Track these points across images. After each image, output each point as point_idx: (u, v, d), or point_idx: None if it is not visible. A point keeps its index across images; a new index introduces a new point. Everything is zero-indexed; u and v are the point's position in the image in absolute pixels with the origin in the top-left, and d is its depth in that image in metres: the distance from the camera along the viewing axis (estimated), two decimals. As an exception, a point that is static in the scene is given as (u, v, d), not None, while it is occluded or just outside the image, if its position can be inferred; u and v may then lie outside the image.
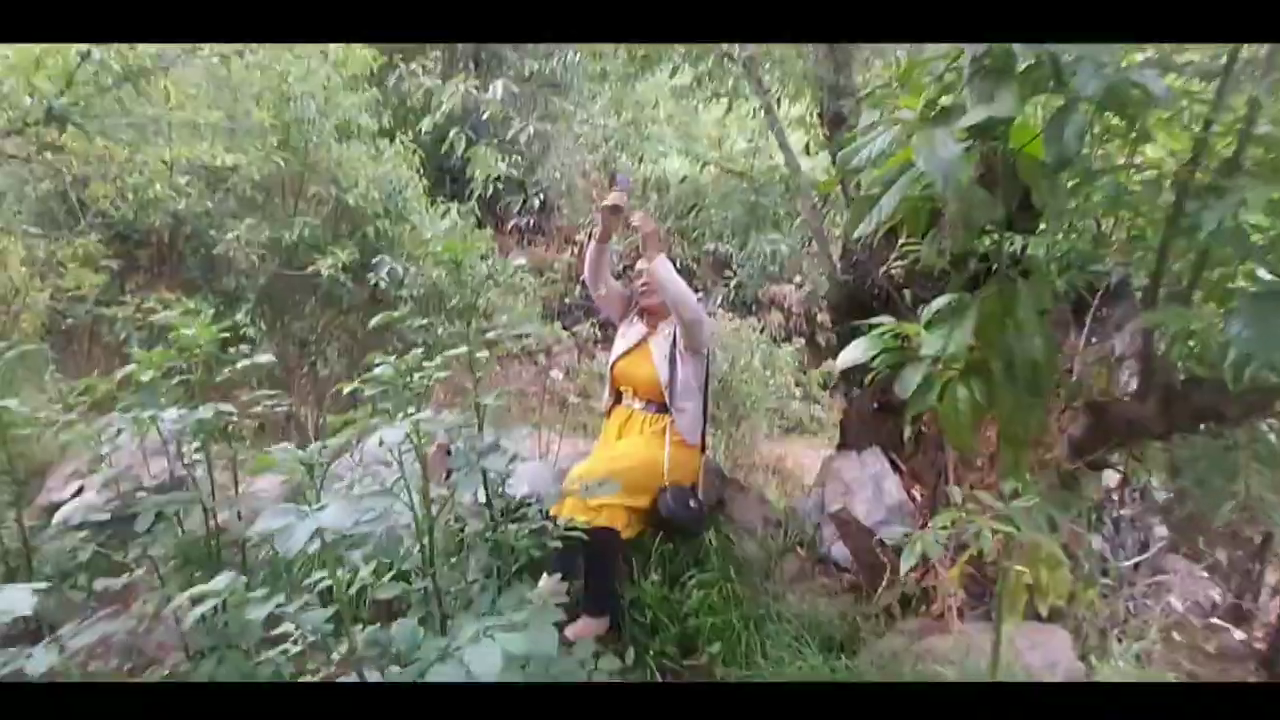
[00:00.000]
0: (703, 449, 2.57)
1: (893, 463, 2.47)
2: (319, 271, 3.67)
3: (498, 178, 2.74)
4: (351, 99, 5.29)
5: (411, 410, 1.67)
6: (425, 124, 2.94)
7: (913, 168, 1.22)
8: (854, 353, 1.53)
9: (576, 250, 9.16)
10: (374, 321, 1.88)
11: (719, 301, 6.03)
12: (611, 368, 2.61)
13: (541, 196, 3.01)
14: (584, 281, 2.57)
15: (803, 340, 5.88)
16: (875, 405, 2.50)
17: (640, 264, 2.54)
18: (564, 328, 6.67)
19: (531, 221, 8.84)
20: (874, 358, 1.54)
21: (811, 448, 7.31)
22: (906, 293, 2.39)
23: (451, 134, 2.89)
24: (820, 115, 3.06)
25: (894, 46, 2.81)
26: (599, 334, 6.55)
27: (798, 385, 5.79)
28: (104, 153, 2.87)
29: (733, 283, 2.43)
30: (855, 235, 1.28)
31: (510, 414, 8.63)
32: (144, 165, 3.20)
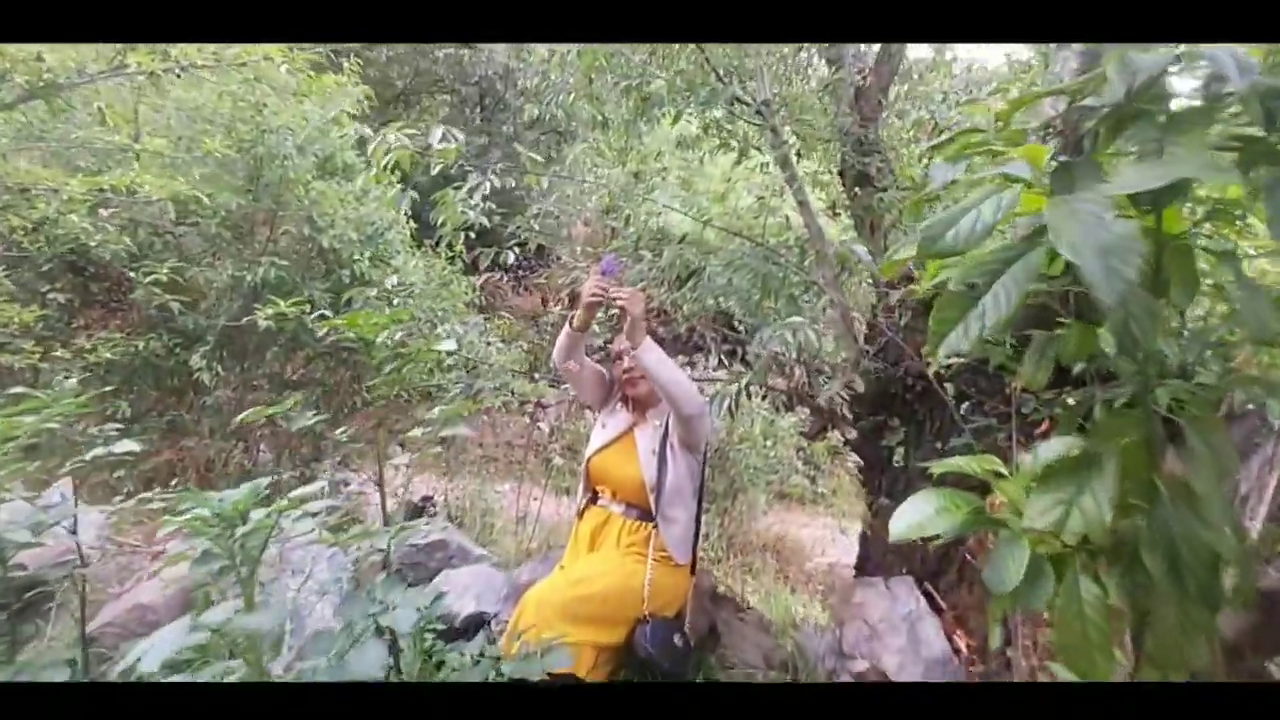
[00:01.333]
0: (693, 569, 2.12)
1: (930, 598, 2.02)
2: (284, 315, 3.24)
3: (470, 227, 2.35)
4: (336, 135, 4.99)
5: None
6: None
7: (1026, 251, 0.83)
8: (914, 516, 1.07)
9: (566, 299, 8.83)
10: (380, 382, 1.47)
11: (714, 366, 5.65)
12: (588, 462, 2.17)
13: (526, 244, 2.57)
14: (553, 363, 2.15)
15: (806, 409, 5.45)
16: None
17: (618, 342, 2.12)
18: (553, 383, 6.25)
19: (522, 269, 8.54)
20: (941, 526, 1.08)
21: (812, 524, 6.82)
22: (949, 386, 1.99)
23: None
24: (841, 173, 2.71)
25: (930, 96, 2.48)
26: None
27: (799, 453, 5.33)
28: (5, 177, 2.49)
29: (744, 380, 1.93)
30: (945, 353, 0.86)
31: (497, 464, 8.18)
32: (54, 194, 2.81)
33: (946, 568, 1.98)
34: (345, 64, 5.51)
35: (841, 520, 7.29)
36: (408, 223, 5.46)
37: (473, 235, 2.54)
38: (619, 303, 1.87)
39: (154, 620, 2.07)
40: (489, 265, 2.40)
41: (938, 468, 1.15)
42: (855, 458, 2.33)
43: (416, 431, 1.44)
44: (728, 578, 4.35)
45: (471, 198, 2.00)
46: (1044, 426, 1.60)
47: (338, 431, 2.57)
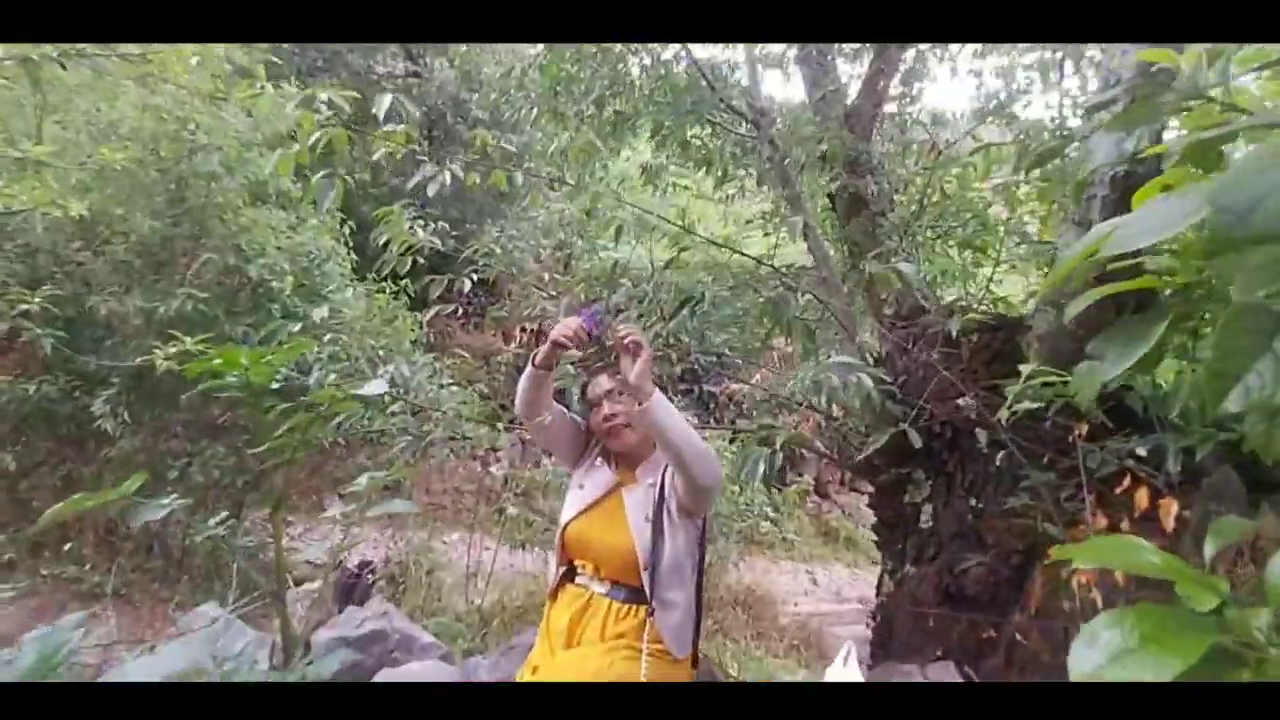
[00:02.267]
0: (694, 662, 1.77)
1: (971, 684, 1.74)
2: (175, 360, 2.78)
3: (419, 250, 2.00)
4: (270, 159, 4.57)
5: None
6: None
7: None
8: (1106, 650, 0.72)
9: (527, 338, 8.45)
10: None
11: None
12: (563, 531, 1.79)
13: (483, 274, 2.21)
14: (515, 410, 1.77)
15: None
16: (944, 591, 1.76)
17: (596, 386, 1.75)
18: (506, 426, 5.83)
19: (471, 306, 8.15)
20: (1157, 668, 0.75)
21: (776, 569, 6.52)
22: (982, 434, 1.72)
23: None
24: (832, 196, 2.48)
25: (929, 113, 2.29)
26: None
27: (768, 502, 5.04)
28: None
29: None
30: (1237, 405, 0.55)
31: (444, 513, 7.62)
32: None
33: (990, 650, 1.69)
34: (285, 86, 5.14)
35: (808, 566, 7.04)
36: (348, 254, 5.05)
37: (421, 261, 2.19)
38: (627, 340, 1.54)
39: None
40: (442, 294, 2.04)
41: (1095, 560, 0.84)
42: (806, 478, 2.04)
43: (336, 511, 1.08)
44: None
45: (419, 200, 1.64)
46: (1125, 484, 1.35)
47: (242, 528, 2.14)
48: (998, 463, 1.71)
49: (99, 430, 3.90)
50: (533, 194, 8.72)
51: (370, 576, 2.95)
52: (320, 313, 2.10)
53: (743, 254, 1.95)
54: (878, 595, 1.99)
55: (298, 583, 3.52)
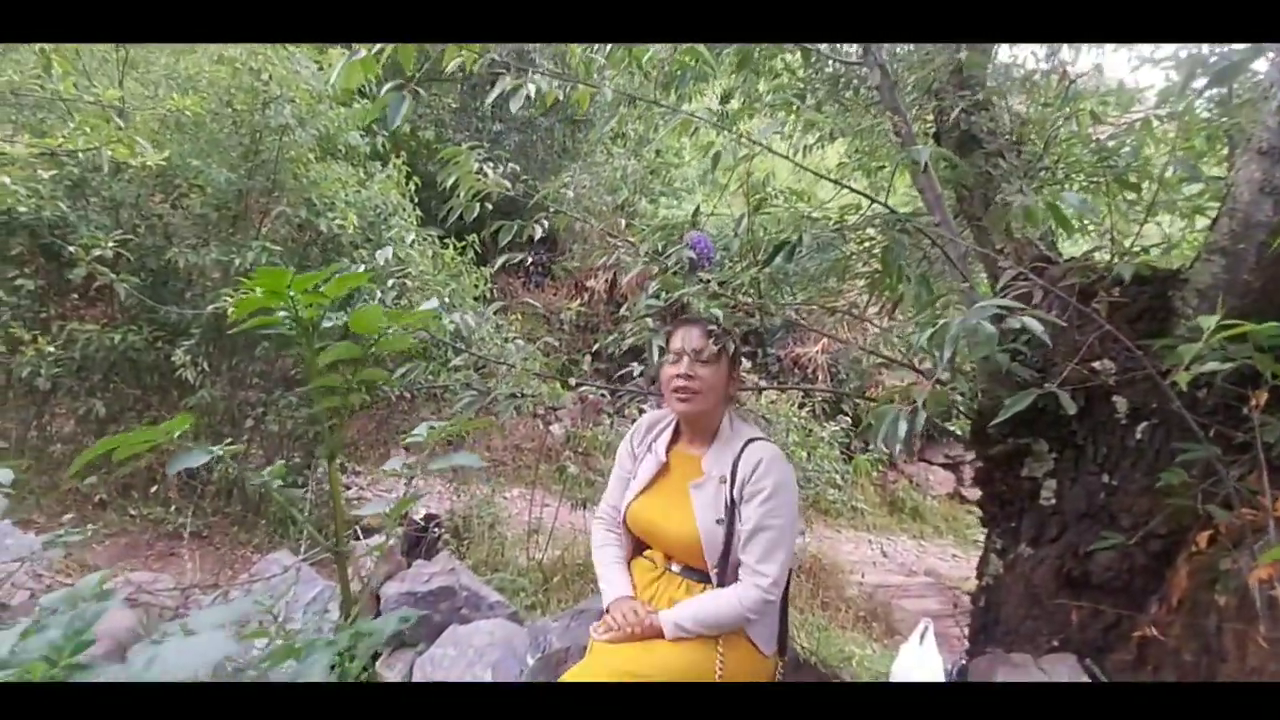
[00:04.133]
0: (782, 650, 1.64)
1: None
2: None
3: (485, 196, 1.88)
4: (340, 113, 4.54)
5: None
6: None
7: None
8: None
9: (587, 297, 8.36)
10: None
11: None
12: (626, 509, 1.68)
13: (553, 223, 2.06)
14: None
15: (849, 418, 4.96)
16: (1066, 576, 1.56)
17: (684, 338, 1.57)
18: (567, 384, 5.79)
19: (533, 265, 8.11)
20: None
21: (840, 538, 6.33)
22: (1120, 402, 1.50)
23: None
24: (937, 135, 2.23)
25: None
26: (607, 395, 5.68)
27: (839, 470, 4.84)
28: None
29: (920, 400, 1.40)
30: None
31: (505, 469, 7.74)
32: None
33: (1118, 643, 1.49)
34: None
35: (874, 537, 6.81)
36: (413, 209, 5.02)
37: (489, 207, 2.06)
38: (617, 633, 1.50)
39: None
40: (510, 242, 1.92)
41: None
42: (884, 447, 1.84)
43: (397, 463, 0.98)
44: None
45: (504, 106, 1.50)
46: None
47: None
48: (1139, 435, 1.48)
49: (181, 379, 4.02)
50: (602, 145, 8.54)
51: (437, 530, 2.93)
52: (384, 254, 2.02)
53: (860, 192, 1.73)
54: (981, 577, 1.80)
55: (367, 533, 3.57)
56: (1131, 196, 1.67)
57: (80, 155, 2.93)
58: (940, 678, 1.66)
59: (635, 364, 2.05)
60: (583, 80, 1.55)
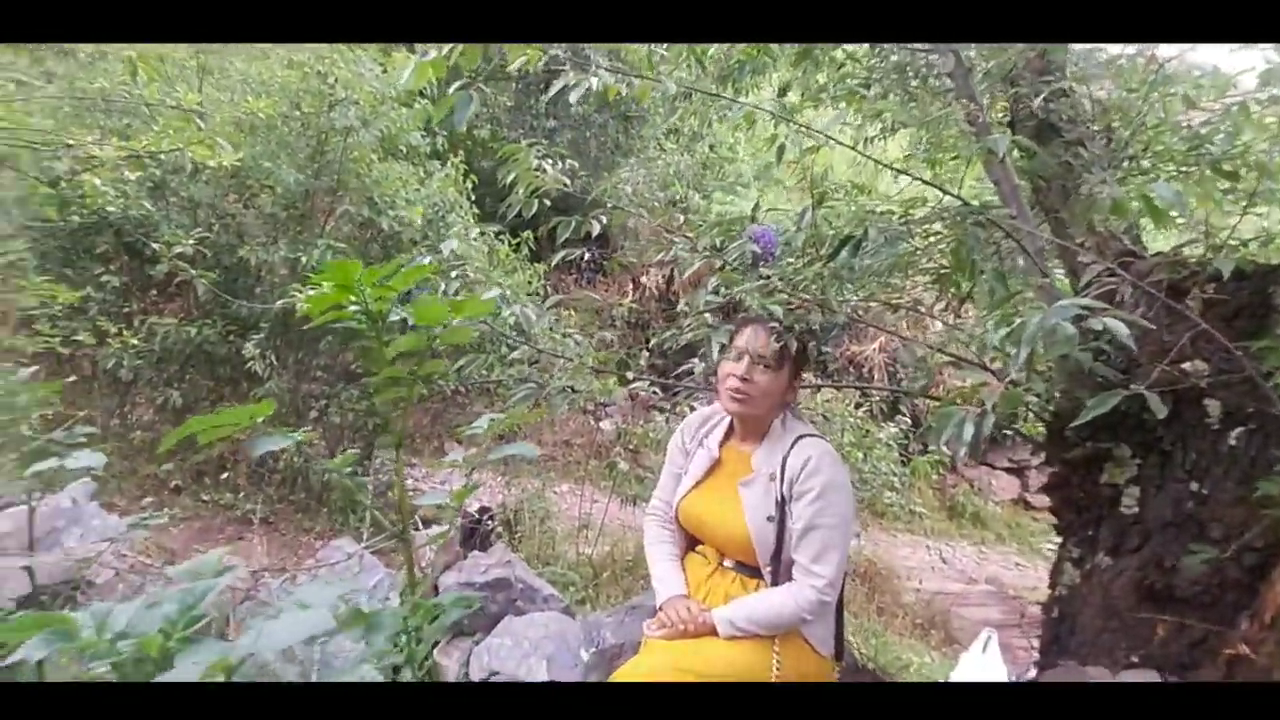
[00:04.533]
0: (839, 654, 1.60)
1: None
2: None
3: (543, 193, 1.89)
4: (402, 114, 4.65)
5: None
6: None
7: None
8: None
9: (640, 293, 8.36)
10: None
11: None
12: (677, 506, 1.68)
13: (608, 219, 2.05)
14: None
15: (907, 419, 4.83)
16: (1148, 588, 1.46)
17: (750, 338, 1.54)
18: (624, 379, 5.81)
19: (586, 261, 8.14)
20: None
21: (896, 542, 6.17)
22: (1213, 405, 1.41)
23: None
24: (1011, 124, 2.13)
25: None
26: (659, 392, 5.66)
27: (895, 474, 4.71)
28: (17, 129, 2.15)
29: (985, 407, 1.33)
30: None
31: (555, 464, 7.83)
32: (67, 150, 2.46)
33: (1204, 660, 1.40)
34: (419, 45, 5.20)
35: (932, 542, 6.61)
36: (470, 206, 5.12)
37: (547, 203, 2.07)
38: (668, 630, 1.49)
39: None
40: (568, 239, 1.93)
41: None
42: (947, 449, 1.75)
43: (456, 455, 0.98)
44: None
45: (558, 103, 1.50)
46: None
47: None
48: (1233, 441, 1.38)
49: (250, 371, 4.21)
50: (655, 141, 8.51)
51: (490, 522, 2.98)
52: (449, 245, 2.06)
53: (932, 184, 1.67)
54: (1054, 586, 1.72)
55: (425, 524, 3.66)
56: (1227, 186, 1.56)
57: (162, 157, 3.08)
58: (1005, 689, 1.60)
59: (695, 360, 2.02)
60: (642, 75, 1.54)
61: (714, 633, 1.47)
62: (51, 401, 1.42)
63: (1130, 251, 1.68)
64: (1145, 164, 1.92)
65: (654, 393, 5.89)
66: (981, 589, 5.58)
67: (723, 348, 1.57)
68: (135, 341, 3.86)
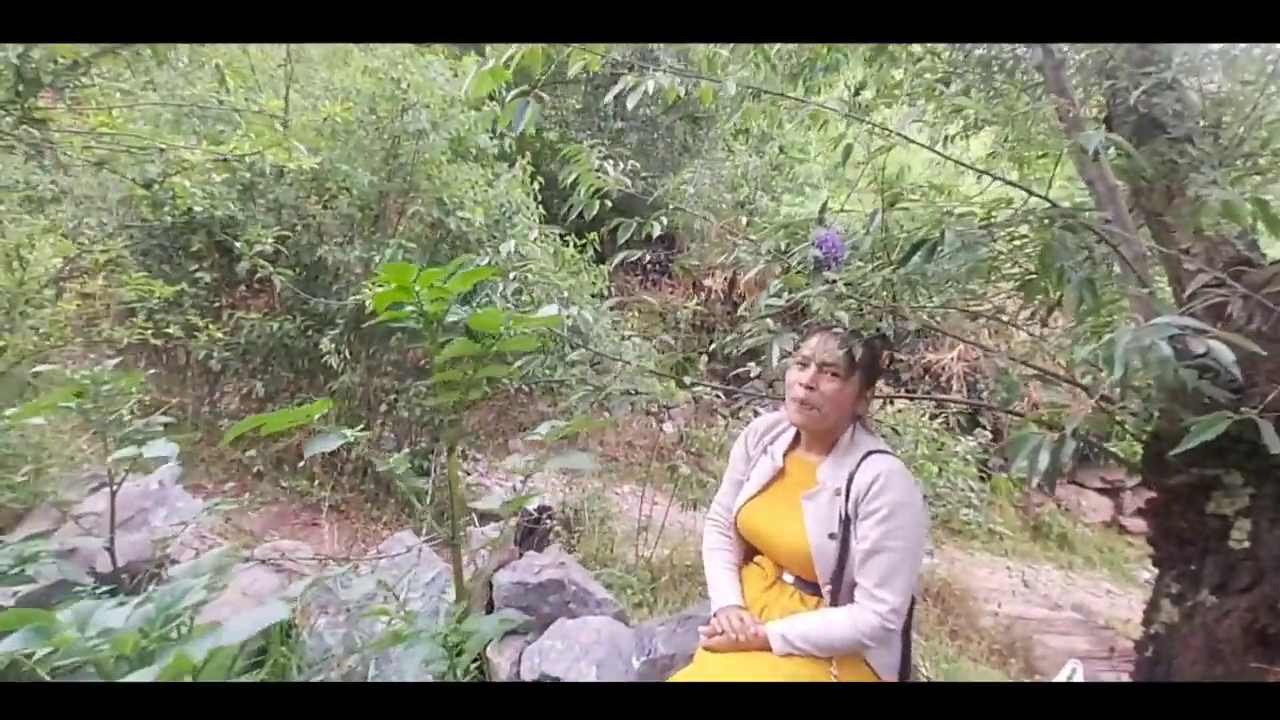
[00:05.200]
0: (904, 680, 1.52)
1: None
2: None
3: (605, 194, 1.87)
4: (470, 116, 4.76)
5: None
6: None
7: None
8: None
9: (704, 296, 8.29)
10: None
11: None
12: (737, 513, 1.62)
13: (671, 222, 2.01)
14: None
15: (988, 432, 4.58)
16: (1260, 633, 1.31)
17: (818, 347, 1.48)
18: (681, 383, 5.77)
19: (651, 263, 8.14)
20: None
21: (975, 562, 5.86)
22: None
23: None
24: (1108, 119, 1.98)
25: None
26: (721, 396, 5.59)
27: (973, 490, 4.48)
28: (104, 129, 2.30)
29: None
30: None
31: (617, 464, 7.86)
32: (160, 155, 2.60)
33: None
34: (488, 48, 5.32)
35: (1013, 564, 6.26)
36: (537, 207, 5.18)
37: (609, 204, 2.05)
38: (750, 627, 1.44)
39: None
40: (629, 240, 1.90)
41: None
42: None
43: (518, 460, 0.97)
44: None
45: (625, 104, 1.47)
46: None
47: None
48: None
49: (326, 365, 4.38)
50: (723, 141, 8.42)
51: (549, 522, 2.99)
52: (507, 247, 2.07)
53: (1017, 184, 1.55)
54: (1149, 624, 1.57)
55: (483, 519, 3.71)
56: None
57: (246, 159, 3.24)
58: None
59: (753, 364, 1.96)
60: (704, 75, 1.50)
61: (767, 647, 1.41)
62: (132, 390, 1.49)
63: (1244, 259, 1.52)
64: (1263, 162, 1.74)
65: (717, 396, 5.81)
66: (1067, 616, 5.24)
67: (784, 354, 1.51)
68: (220, 334, 4.08)
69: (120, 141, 2.27)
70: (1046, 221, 1.31)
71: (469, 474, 6.48)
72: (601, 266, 4.99)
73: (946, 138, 2.86)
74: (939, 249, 1.36)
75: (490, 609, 1.80)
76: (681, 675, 1.45)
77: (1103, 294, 1.36)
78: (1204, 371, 1.33)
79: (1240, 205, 1.09)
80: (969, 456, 4.24)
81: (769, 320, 1.63)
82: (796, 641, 1.39)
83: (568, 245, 4.94)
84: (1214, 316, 1.53)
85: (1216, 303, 1.49)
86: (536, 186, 5.25)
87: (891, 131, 1.42)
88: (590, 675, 1.63)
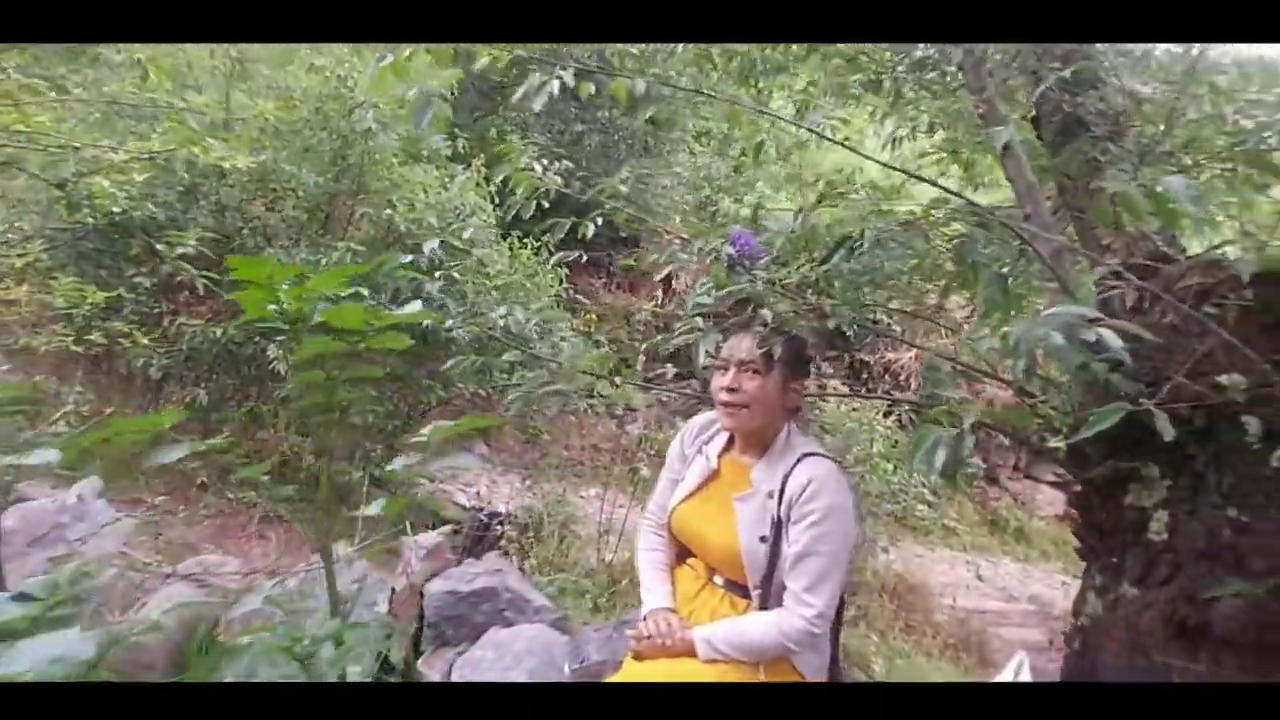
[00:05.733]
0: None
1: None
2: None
3: (543, 193, 1.83)
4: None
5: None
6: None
7: None
8: None
9: (665, 297, 8.30)
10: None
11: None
12: (671, 513, 1.60)
13: (619, 232, 1.98)
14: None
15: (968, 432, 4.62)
16: (1179, 625, 1.32)
17: (734, 348, 1.48)
18: (613, 383, 5.75)
19: (613, 262, 8.11)
20: None
21: (932, 557, 5.93)
22: (1252, 423, 1.27)
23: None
24: (1035, 119, 2.00)
25: None
26: (674, 398, 5.56)
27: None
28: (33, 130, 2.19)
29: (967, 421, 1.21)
30: None
31: (583, 468, 7.80)
32: (75, 154, 2.48)
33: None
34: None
35: (970, 557, 6.35)
36: (493, 210, 5.12)
37: (546, 205, 2.01)
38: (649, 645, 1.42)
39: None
40: (573, 241, 1.87)
41: None
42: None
43: (398, 464, 0.93)
44: (845, 630, 3.65)
45: (532, 102, 1.42)
46: None
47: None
48: (1275, 463, 1.25)
49: (274, 371, 4.26)
50: (685, 144, 8.42)
51: (500, 528, 2.93)
52: (430, 245, 2.02)
53: (926, 179, 1.56)
54: (1076, 617, 1.58)
55: (436, 526, 3.63)
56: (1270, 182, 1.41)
57: (186, 160, 3.12)
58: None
59: (670, 366, 1.94)
60: (614, 73, 1.47)
61: (694, 652, 1.39)
62: (15, 403, 1.41)
63: (1162, 255, 1.54)
64: (1187, 161, 1.77)
65: (673, 398, 5.79)
66: (1023, 608, 5.33)
67: (709, 354, 1.49)
68: (146, 340, 3.91)
69: (33, 140, 2.16)
70: (964, 218, 1.31)
71: (431, 480, 6.38)
72: (557, 269, 4.94)
73: (896, 139, 2.89)
74: (858, 247, 1.35)
75: (421, 620, 1.75)
76: (623, 676, 1.42)
77: (1019, 290, 1.36)
78: (1116, 366, 1.35)
79: (1137, 198, 1.09)
80: (923, 454, 4.28)
81: (698, 319, 1.61)
82: (721, 646, 1.37)
83: (525, 247, 4.89)
84: (1132, 310, 1.55)
85: (1135, 297, 1.51)
86: (493, 188, 5.18)
87: (801, 126, 1.41)
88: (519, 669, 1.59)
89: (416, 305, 1.00)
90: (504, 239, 4.91)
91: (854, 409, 4.28)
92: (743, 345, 1.44)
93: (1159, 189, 1.04)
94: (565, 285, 5.15)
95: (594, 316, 5.19)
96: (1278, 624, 1.28)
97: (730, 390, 1.43)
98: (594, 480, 6.75)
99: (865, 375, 7.28)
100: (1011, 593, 5.50)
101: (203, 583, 1.95)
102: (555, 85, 1.41)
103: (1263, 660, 1.26)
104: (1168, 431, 1.02)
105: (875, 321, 2.60)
